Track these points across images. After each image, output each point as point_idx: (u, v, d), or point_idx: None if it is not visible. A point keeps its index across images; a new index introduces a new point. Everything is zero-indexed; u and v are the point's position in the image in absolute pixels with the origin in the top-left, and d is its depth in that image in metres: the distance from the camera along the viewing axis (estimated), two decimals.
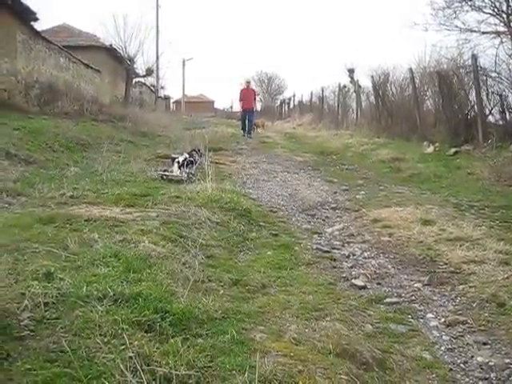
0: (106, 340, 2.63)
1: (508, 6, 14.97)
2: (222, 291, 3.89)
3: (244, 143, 16.74)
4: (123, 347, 2.58)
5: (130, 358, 2.49)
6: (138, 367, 2.41)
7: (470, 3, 15.60)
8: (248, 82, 20.87)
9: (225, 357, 2.73)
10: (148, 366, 2.47)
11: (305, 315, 3.58)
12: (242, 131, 19.80)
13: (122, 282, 3.36)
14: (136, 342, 2.63)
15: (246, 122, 19.45)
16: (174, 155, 9.45)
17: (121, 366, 2.40)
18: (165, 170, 8.61)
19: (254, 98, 20.92)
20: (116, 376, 2.36)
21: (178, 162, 8.60)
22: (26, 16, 14.29)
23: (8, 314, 2.75)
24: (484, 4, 15.38)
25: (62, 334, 2.67)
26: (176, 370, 2.47)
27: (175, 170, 8.47)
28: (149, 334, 2.78)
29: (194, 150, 10.04)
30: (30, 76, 14.05)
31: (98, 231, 4.57)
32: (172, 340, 2.78)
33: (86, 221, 4.93)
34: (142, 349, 2.59)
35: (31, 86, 13.28)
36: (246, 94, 19.72)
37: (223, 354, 2.76)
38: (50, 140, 10.06)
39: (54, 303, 2.97)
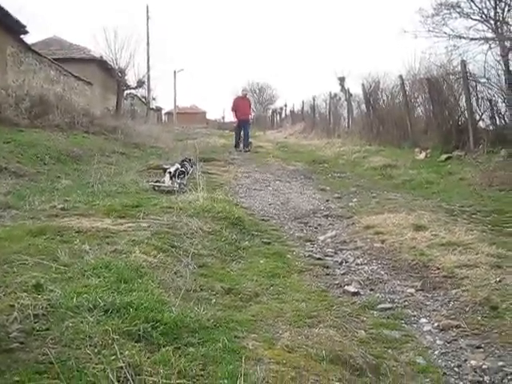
0: (96, 350, 2.59)
1: (496, 12, 15.20)
2: (214, 300, 3.86)
3: (236, 153, 16.73)
4: (114, 357, 2.54)
5: (121, 368, 2.45)
6: (129, 377, 2.39)
7: (458, 10, 15.81)
8: (245, 92, 20.43)
9: (216, 365, 2.70)
10: (139, 375, 2.44)
11: (298, 323, 3.56)
12: (234, 144, 18.30)
13: (112, 293, 3.32)
14: (127, 352, 2.60)
15: (242, 133, 18.02)
16: (165, 166, 9.43)
17: (111, 376, 2.37)
18: (156, 181, 8.59)
19: (250, 108, 19.69)
20: None
21: (170, 173, 8.58)
22: (16, 29, 14.34)
23: None
24: (472, 11, 15.61)
25: (51, 345, 2.63)
26: (167, 380, 2.45)
27: (167, 181, 8.46)
28: (139, 344, 2.75)
29: (186, 161, 10.04)
30: (21, 89, 14.04)
31: (89, 242, 4.53)
32: (163, 349, 2.75)
33: (76, 232, 4.89)
34: (133, 359, 2.55)
35: (22, 99, 13.22)
36: (242, 104, 18.47)
37: (215, 363, 2.72)
38: (41, 153, 10.04)
39: (43, 315, 2.93)
